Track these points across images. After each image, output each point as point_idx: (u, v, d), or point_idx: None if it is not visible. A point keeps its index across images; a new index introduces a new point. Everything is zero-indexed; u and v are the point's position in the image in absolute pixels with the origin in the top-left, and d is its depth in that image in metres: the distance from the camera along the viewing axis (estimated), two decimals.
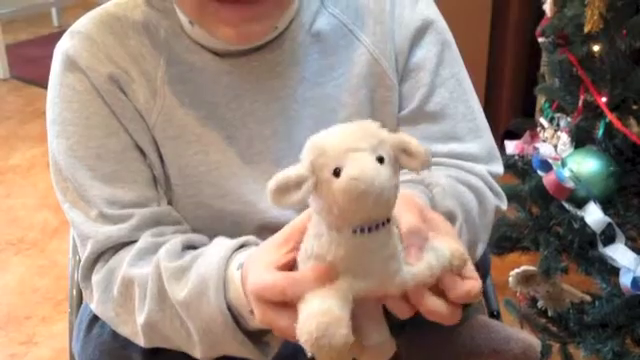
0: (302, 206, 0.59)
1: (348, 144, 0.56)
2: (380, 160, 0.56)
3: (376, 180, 0.54)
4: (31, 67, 3.65)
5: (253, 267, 0.65)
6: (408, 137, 0.58)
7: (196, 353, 0.76)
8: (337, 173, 0.55)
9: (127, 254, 0.79)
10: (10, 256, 2.29)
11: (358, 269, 0.59)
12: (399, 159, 0.58)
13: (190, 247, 0.79)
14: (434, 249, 0.60)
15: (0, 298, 2.11)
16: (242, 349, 0.72)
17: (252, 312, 0.66)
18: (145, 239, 0.80)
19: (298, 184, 0.56)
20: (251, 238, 0.75)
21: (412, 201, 0.66)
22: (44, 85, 3.90)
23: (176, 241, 0.79)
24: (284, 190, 0.57)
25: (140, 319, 0.77)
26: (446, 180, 0.80)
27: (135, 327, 0.78)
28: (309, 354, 0.58)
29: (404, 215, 0.62)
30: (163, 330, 0.76)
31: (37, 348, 1.91)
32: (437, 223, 0.65)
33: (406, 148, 0.58)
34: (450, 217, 0.73)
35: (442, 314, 0.60)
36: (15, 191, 2.65)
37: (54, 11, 4.25)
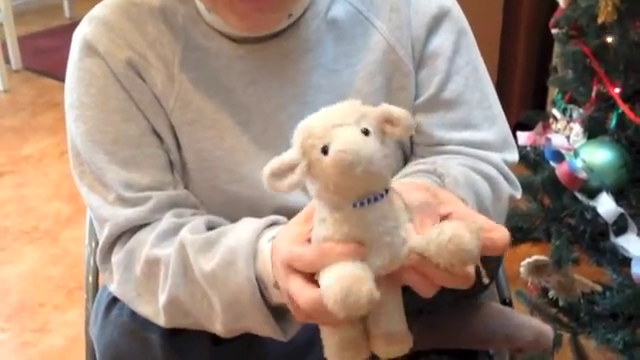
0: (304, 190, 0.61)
1: (332, 122, 0.58)
2: (365, 132, 0.58)
3: (362, 150, 0.57)
4: (43, 58, 3.67)
5: (282, 240, 0.67)
6: (389, 106, 0.61)
7: (217, 328, 0.76)
8: (325, 151, 0.58)
9: (149, 235, 0.80)
10: (24, 245, 2.31)
11: (366, 244, 0.60)
12: (384, 130, 0.60)
13: (212, 228, 0.80)
14: (440, 228, 0.60)
15: (13, 286, 2.13)
16: (264, 323, 0.72)
17: (275, 285, 0.68)
18: (167, 220, 0.81)
19: (291, 167, 0.59)
20: (281, 218, 0.76)
21: (422, 184, 0.68)
22: (56, 76, 3.88)
23: (199, 221, 0.80)
24: (279, 175, 0.60)
25: (162, 297, 0.78)
26: (460, 169, 0.80)
27: (157, 306, 0.79)
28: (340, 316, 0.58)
29: (413, 193, 0.63)
30: (185, 305, 0.77)
31: (50, 336, 1.93)
32: (444, 197, 0.65)
33: (388, 117, 0.60)
34: None
35: (451, 279, 0.60)
36: (28, 181, 2.66)
37: (66, 3, 4.27)
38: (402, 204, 0.62)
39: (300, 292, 0.61)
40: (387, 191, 0.61)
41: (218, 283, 0.73)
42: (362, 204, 0.59)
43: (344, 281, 0.57)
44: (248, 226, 0.74)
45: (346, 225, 0.60)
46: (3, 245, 2.31)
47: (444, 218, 0.62)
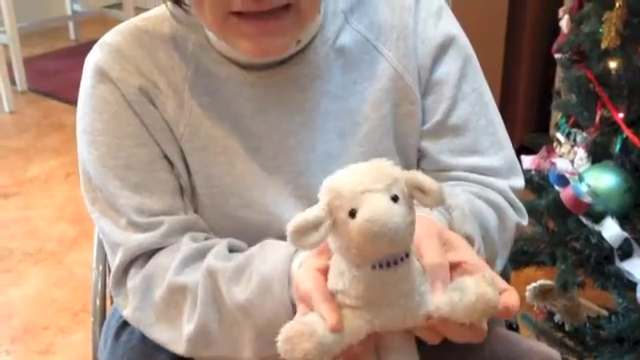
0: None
1: (363, 185, 0.58)
2: (394, 199, 0.58)
3: (390, 221, 0.56)
4: (48, 80, 3.68)
5: (305, 273, 0.68)
6: (422, 175, 0.61)
7: (246, 356, 0.77)
8: (353, 214, 0.58)
9: (171, 261, 0.81)
10: (28, 267, 2.31)
11: (381, 303, 0.61)
12: (414, 195, 0.60)
13: (234, 251, 0.81)
14: (462, 289, 0.61)
15: (18, 309, 2.12)
16: None
17: None
18: (188, 246, 0.82)
19: (316, 226, 0.59)
20: None
21: (431, 226, 0.67)
22: (62, 98, 3.87)
23: (222, 246, 0.81)
24: (303, 232, 0.59)
25: (190, 326, 0.78)
26: (465, 197, 0.81)
27: (176, 333, 0.80)
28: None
29: (426, 249, 0.64)
30: (212, 334, 0.78)
31: (55, 358, 1.92)
32: (455, 243, 0.67)
33: (420, 186, 0.60)
34: (468, 241, 0.74)
35: (469, 335, 0.63)
36: (33, 203, 2.67)
37: (71, 25, 4.29)
38: (420, 266, 0.63)
39: None
40: (407, 255, 0.61)
41: (254, 311, 0.74)
42: (381, 267, 0.60)
43: (290, 328, 0.60)
44: (277, 251, 0.75)
45: (363, 284, 0.61)
46: (8, 267, 2.31)
47: (454, 266, 0.64)
